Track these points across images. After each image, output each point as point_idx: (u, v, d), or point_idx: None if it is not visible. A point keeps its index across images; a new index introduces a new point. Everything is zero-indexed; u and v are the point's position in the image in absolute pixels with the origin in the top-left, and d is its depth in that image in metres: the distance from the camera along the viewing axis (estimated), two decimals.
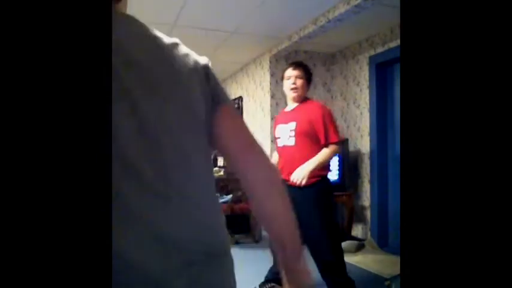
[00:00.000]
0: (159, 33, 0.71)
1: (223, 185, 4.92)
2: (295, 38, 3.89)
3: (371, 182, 4.14)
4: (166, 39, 0.70)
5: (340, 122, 4.69)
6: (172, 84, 0.66)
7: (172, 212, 0.63)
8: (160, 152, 0.63)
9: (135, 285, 0.60)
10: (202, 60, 0.74)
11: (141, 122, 0.62)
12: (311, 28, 3.59)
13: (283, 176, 2.32)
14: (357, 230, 4.31)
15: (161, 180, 0.62)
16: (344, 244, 3.89)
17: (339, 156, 4.02)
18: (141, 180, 0.62)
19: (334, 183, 4.04)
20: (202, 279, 0.63)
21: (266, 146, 4.66)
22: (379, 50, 4.02)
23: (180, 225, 0.63)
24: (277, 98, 4.58)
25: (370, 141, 4.14)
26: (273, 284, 2.69)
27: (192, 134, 0.66)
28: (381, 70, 4.07)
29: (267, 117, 4.63)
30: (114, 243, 0.60)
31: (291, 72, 2.47)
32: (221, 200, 4.66)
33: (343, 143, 4.08)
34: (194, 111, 0.66)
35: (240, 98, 5.55)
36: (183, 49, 0.72)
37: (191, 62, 0.70)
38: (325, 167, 2.38)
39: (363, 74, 4.27)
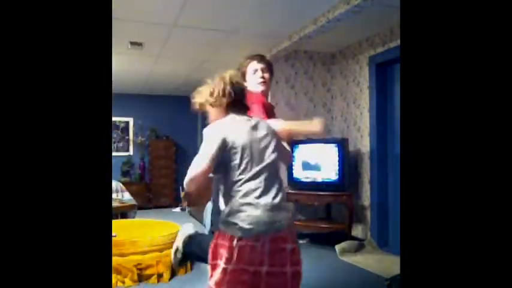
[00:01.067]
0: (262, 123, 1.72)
1: None
2: (295, 38, 3.89)
3: (371, 182, 4.14)
4: (264, 125, 1.71)
5: (340, 122, 4.69)
6: (263, 147, 1.63)
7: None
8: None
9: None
10: (275, 127, 1.78)
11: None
12: (311, 28, 3.59)
13: None
14: (357, 230, 4.30)
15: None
16: (344, 244, 3.89)
17: (339, 156, 4.02)
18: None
19: (334, 183, 4.05)
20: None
21: None
22: (379, 50, 4.02)
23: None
24: (277, 98, 4.58)
25: (370, 141, 4.14)
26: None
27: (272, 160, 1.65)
28: (381, 70, 4.07)
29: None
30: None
31: (256, 65, 2.14)
32: None
33: (343, 143, 4.08)
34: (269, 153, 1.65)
35: None
36: (265, 125, 1.71)
37: (270, 130, 1.70)
38: None
39: (363, 74, 4.27)
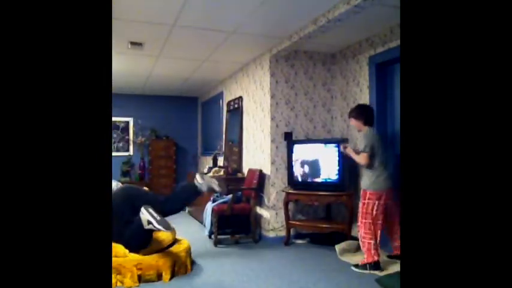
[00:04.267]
0: None
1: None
2: (295, 38, 3.89)
3: None
4: None
5: (340, 122, 4.69)
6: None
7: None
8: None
9: None
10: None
11: None
12: (311, 28, 3.59)
13: None
14: (357, 230, 4.30)
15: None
16: (344, 244, 3.89)
17: (339, 156, 4.02)
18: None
19: (334, 183, 4.05)
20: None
21: (266, 146, 4.66)
22: (379, 50, 4.02)
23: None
24: (277, 98, 4.58)
25: None
26: None
27: None
28: (380, 70, 4.07)
29: (267, 117, 4.63)
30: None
31: None
32: (221, 200, 4.65)
33: (343, 143, 4.08)
34: None
35: (240, 98, 5.55)
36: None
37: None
38: None
39: (363, 74, 4.27)
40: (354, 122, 3.53)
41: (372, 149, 3.31)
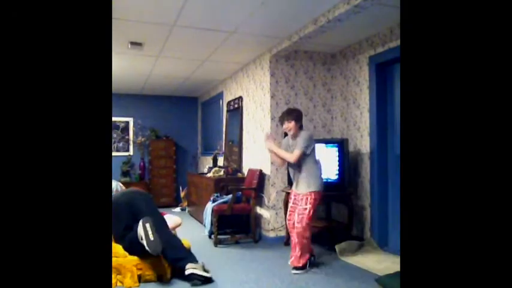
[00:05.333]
0: None
1: (223, 185, 4.92)
2: (295, 38, 3.89)
3: (371, 182, 4.14)
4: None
5: (340, 122, 4.69)
6: None
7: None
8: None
9: None
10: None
11: None
12: (311, 28, 3.59)
13: None
14: (357, 230, 4.31)
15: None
16: (344, 244, 3.89)
17: (339, 156, 4.02)
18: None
19: (334, 183, 4.05)
20: None
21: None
22: (379, 50, 4.02)
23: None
24: (277, 98, 4.58)
25: (370, 141, 4.14)
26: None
27: None
28: (381, 70, 4.07)
29: (267, 117, 4.63)
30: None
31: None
32: (221, 200, 4.65)
33: (343, 143, 4.08)
34: None
35: (240, 98, 5.55)
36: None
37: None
38: None
39: (363, 74, 4.27)
40: (292, 125, 3.44)
41: (311, 150, 3.35)
